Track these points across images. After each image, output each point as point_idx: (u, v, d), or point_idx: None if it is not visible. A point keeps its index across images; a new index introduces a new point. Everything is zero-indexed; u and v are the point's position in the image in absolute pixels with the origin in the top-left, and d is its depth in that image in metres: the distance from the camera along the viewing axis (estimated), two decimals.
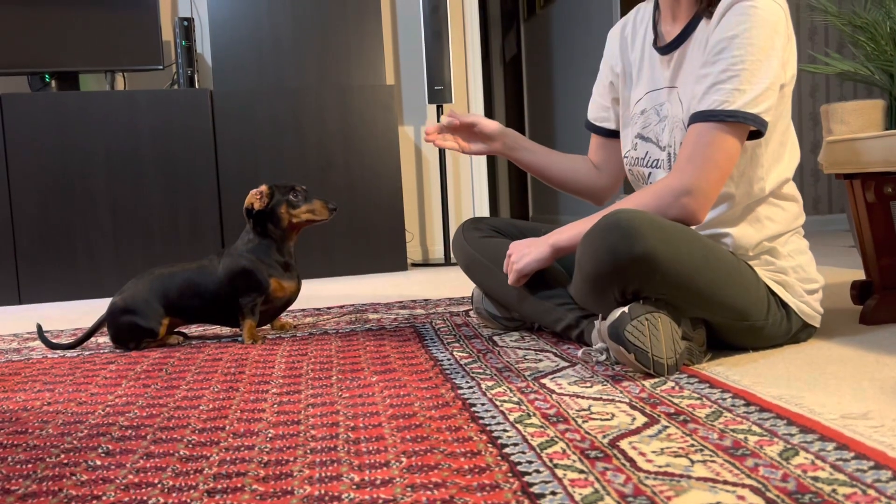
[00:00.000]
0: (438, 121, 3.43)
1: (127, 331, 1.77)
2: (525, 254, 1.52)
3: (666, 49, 1.46)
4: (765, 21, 1.30)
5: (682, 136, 1.41)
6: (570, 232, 1.46)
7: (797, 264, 1.44)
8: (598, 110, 1.68)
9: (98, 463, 1.00)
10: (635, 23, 1.58)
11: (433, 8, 3.36)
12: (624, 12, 4.06)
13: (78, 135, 2.89)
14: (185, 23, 3.08)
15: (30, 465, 1.01)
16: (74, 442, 1.10)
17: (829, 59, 2.94)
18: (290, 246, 1.85)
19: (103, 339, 1.97)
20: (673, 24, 1.46)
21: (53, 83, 3.05)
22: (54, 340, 1.93)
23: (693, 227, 1.44)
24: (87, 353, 1.79)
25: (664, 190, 1.33)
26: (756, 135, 1.33)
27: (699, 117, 1.32)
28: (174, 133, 2.97)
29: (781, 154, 1.43)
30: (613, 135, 1.67)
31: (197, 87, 3.12)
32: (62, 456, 1.04)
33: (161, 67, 3.06)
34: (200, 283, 1.80)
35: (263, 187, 1.81)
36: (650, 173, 1.50)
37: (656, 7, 1.51)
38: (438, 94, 3.38)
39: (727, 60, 1.30)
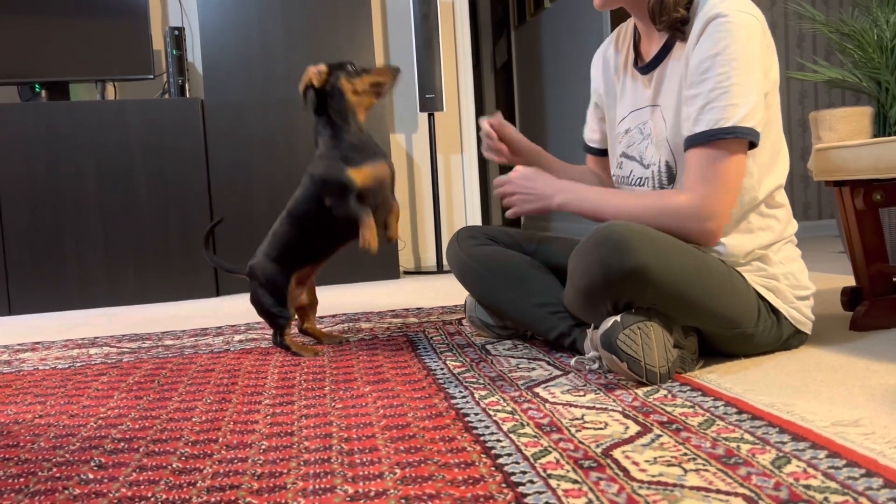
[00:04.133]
0: (430, 129, 3.44)
1: (258, 303, 1.77)
2: (529, 200, 1.52)
3: (646, 69, 1.47)
4: (744, 33, 1.31)
5: (668, 153, 1.42)
6: (584, 203, 1.46)
7: (788, 271, 1.45)
8: (588, 132, 1.74)
9: (91, 476, 1.00)
10: (617, 43, 1.60)
11: (424, 16, 3.37)
12: (613, 16, 4.09)
13: (68, 144, 2.88)
14: (176, 32, 3.08)
15: (22, 479, 1.00)
16: (66, 455, 1.09)
17: (818, 66, 2.96)
18: (361, 122, 1.69)
19: (94, 350, 1.96)
20: (650, 43, 1.48)
21: (43, 93, 3.04)
22: (42, 351, 1.91)
23: None
24: (78, 364, 1.79)
25: (684, 211, 1.34)
26: (750, 145, 1.34)
27: (700, 139, 1.32)
28: (165, 142, 2.96)
29: (775, 161, 1.44)
30: (602, 153, 1.72)
31: (188, 96, 3.11)
32: (54, 469, 1.04)
33: (152, 77, 3.05)
34: (294, 215, 1.73)
35: (322, 65, 1.68)
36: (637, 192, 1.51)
37: (636, 28, 1.53)
38: (429, 102, 3.38)
39: (715, 78, 1.31)
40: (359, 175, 1.62)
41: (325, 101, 1.68)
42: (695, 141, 1.33)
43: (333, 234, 1.73)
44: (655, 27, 1.41)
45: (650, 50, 1.48)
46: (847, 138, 2.68)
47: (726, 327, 1.37)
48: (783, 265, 1.45)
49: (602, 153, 1.71)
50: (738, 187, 1.35)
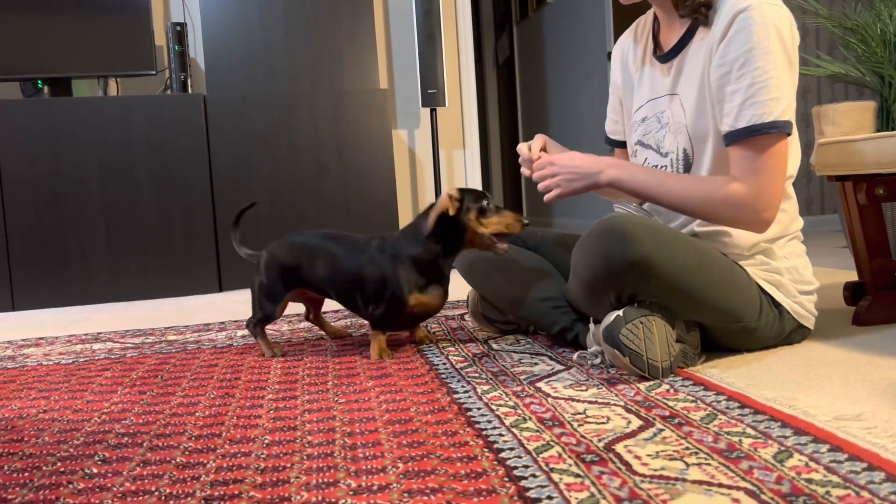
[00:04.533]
0: (433, 125, 3.44)
1: (253, 286, 1.73)
2: (575, 178, 1.44)
3: (665, 57, 1.48)
4: (774, 26, 1.31)
5: (686, 141, 1.43)
6: (635, 181, 1.41)
7: (792, 266, 1.45)
8: (610, 124, 1.73)
9: (95, 471, 1.00)
10: (636, 35, 1.60)
11: (426, 11, 3.36)
12: (615, 14, 4.08)
13: (71, 140, 2.88)
14: (178, 28, 3.08)
15: (26, 474, 1.01)
16: (71, 450, 1.10)
17: (821, 61, 2.95)
18: (452, 262, 1.64)
19: (98, 345, 1.97)
20: (671, 33, 1.48)
21: (46, 89, 3.04)
22: (46, 348, 1.91)
23: (692, 224, 1.45)
24: (82, 359, 1.79)
25: (742, 202, 1.33)
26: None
27: (743, 134, 1.32)
28: (167, 138, 2.97)
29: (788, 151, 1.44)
30: (625, 146, 1.71)
31: (190, 91, 3.11)
32: (58, 464, 1.04)
33: (154, 72, 3.05)
34: (338, 269, 1.63)
35: (454, 191, 1.58)
36: None
37: (655, 18, 1.53)
38: (432, 97, 3.38)
39: (752, 73, 1.31)
40: (416, 300, 1.57)
41: (445, 224, 1.57)
42: (739, 136, 1.33)
43: (352, 304, 1.67)
44: (678, 13, 1.41)
45: (670, 39, 1.48)
46: (850, 133, 2.68)
47: (728, 321, 1.37)
48: (787, 260, 1.45)
49: (625, 146, 1.70)
50: (785, 176, 1.36)
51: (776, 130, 1.31)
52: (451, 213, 1.55)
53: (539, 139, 1.57)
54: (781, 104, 1.31)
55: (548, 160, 1.47)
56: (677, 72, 1.45)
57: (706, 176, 1.41)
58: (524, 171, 1.58)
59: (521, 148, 1.57)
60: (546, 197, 1.47)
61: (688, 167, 1.44)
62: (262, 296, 1.71)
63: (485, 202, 1.57)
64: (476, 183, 3.79)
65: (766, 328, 1.41)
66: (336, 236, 1.68)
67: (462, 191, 1.58)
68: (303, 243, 1.69)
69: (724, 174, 1.40)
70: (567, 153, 1.48)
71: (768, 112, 1.30)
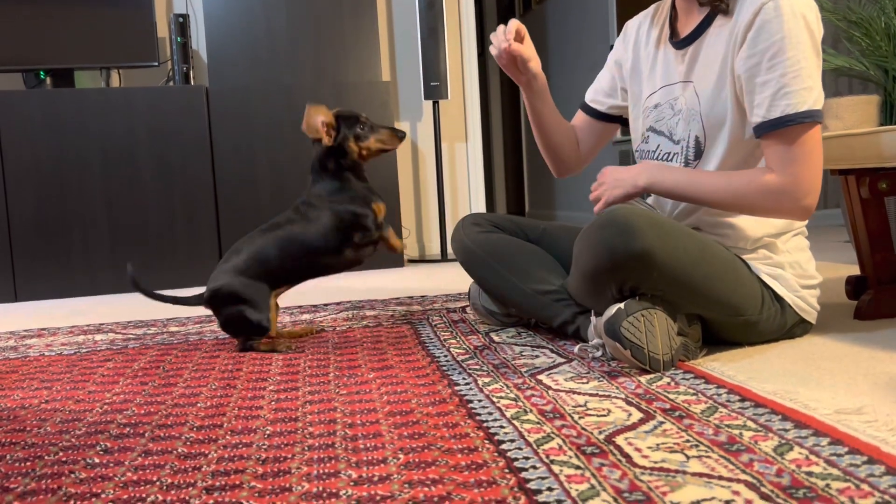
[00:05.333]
0: (435, 117, 3.43)
1: (237, 321, 1.67)
2: (617, 186, 1.45)
3: (681, 44, 1.47)
4: (803, 16, 1.31)
5: (699, 129, 1.43)
6: (670, 182, 1.42)
7: (794, 260, 1.45)
8: (594, 93, 1.72)
9: (96, 461, 1.01)
10: (653, 20, 1.59)
11: (429, 3, 3.35)
12: (619, 6, 4.07)
13: (73, 132, 2.88)
14: (181, 19, 3.07)
15: (28, 463, 1.01)
16: (73, 440, 1.10)
17: (825, 54, 2.94)
18: (364, 171, 1.78)
19: (100, 336, 1.97)
20: (688, 21, 1.47)
21: (48, 80, 3.04)
22: (53, 338, 1.92)
23: (694, 215, 1.45)
24: (84, 350, 1.79)
25: (782, 191, 1.33)
26: None
27: (778, 124, 1.32)
28: (170, 130, 2.97)
29: None
30: (599, 117, 1.71)
31: (192, 83, 3.11)
32: (60, 454, 1.04)
33: (156, 64, 3.05)
34: (304, 242, 1.70)
35: (329, 118, 1.71)
36: None
37: (673, 6, 1.53)
38: (434, 90, 3.37)
39: (784, 63, 1.31)
40: (378, 208, 1.75)
41: (329, 153, 1.73)
42: (772, 126, 1.32)
43: (331, 267, 1.76)
44: (698, 0, 1.41)
45: (686, 27, 1.48)
46: (853, 127, 2.67)
47: (730, 314, 1.37)
48: (790, 254, 1.45)
49: (599, 117, 1.71)
50: (821, 162, 1.36)
51: (810, 120, 1.31)
52: (328, 142, 1.70)
53: (516, 22, 1.54)
54: (814, 94, 1.31)
55: (599, 175, 1.51)
56: (692, 59, 1.45)
57: (737, 171, 1.40)
58: (491, 48, 1.58)
59: (499, 27, 1.55)
60: (595, 208, 1.48)
61: (699, 155, 1.44)
62: (250, 313, 1.65)
63: (359, 128, 1.73)
64: (478, 178, 3.79)
65: (768, 322, 1.41)
66: (278, 224, 1.73)
67: (337, 118, 1.72)
68: (251, 256, 1.68)
69: (736, 162, 1.40)
70: (610, 167, 1.51)
71: (801, 102, 1.30)
